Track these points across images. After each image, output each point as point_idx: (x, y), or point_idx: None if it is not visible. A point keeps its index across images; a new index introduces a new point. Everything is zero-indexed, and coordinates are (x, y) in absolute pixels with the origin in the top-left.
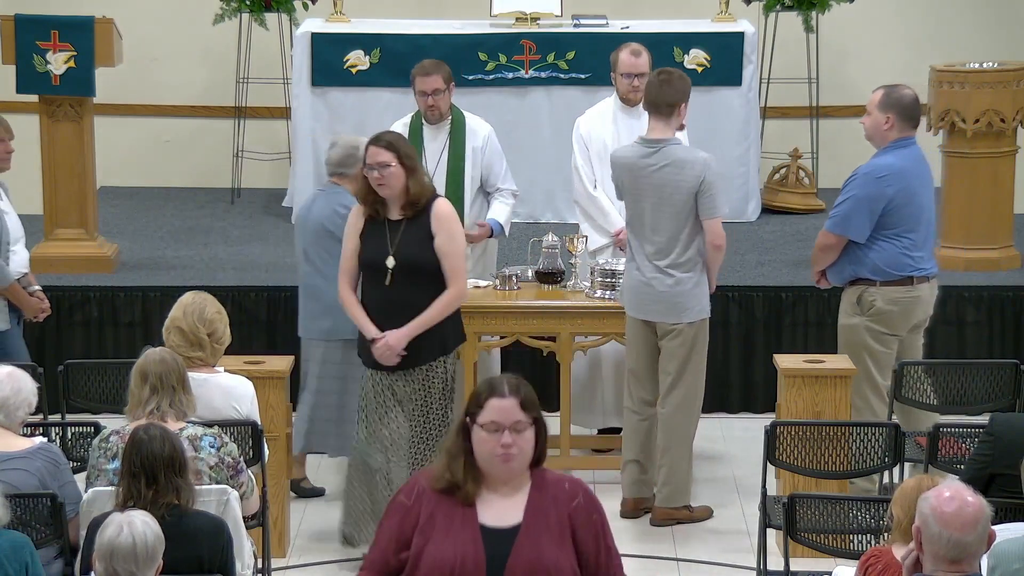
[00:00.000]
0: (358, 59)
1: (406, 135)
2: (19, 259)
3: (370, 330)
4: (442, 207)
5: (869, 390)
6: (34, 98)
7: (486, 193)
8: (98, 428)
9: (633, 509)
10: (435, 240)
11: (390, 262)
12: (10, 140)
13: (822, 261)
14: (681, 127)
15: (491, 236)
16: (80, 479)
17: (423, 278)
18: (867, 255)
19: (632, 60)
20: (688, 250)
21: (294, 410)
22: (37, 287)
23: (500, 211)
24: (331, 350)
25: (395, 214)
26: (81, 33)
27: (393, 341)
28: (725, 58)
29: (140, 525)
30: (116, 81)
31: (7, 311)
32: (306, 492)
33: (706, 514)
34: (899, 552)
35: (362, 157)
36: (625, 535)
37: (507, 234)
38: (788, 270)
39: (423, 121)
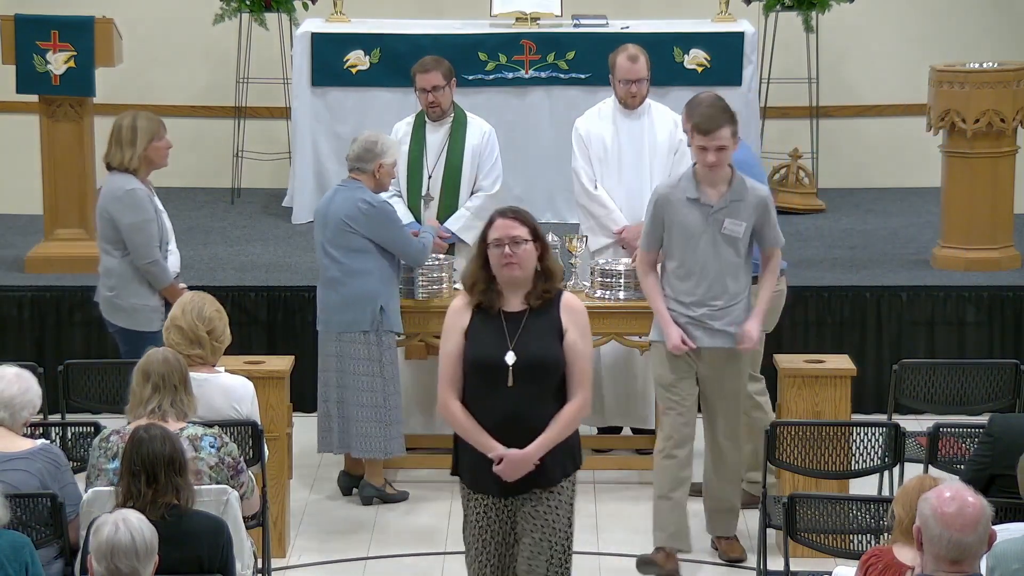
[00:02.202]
0: (358, 59)
1: (410, 135)
2: (173, 259)
3: (494, 447)
4: (574, 299)
5: (750, 385)
6: (34, 98)
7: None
8: (98, 428)
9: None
10: (566, 337)
11: (511, 358)
12: (167, 136)
13: None
14: None
15: (450, 245)
16: (80, 479)
17: (547, 382)
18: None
19: (629, 66)
20: None
21: (295, 410)
22: (183, 286)
23: (456, 217)
24: (350, 344)
25: (515, 304)
26: (81, 33)
27: (521, 459)
28: (725, 58)
29: (135, 521)
30: (116, 81)
31: (163, 311)
32: (390, 497)
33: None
34: (900, 551)
35: (380, 152)
36: (626, 534)
37: (468, 241)
38: (788, 270)
39: (426, 119)
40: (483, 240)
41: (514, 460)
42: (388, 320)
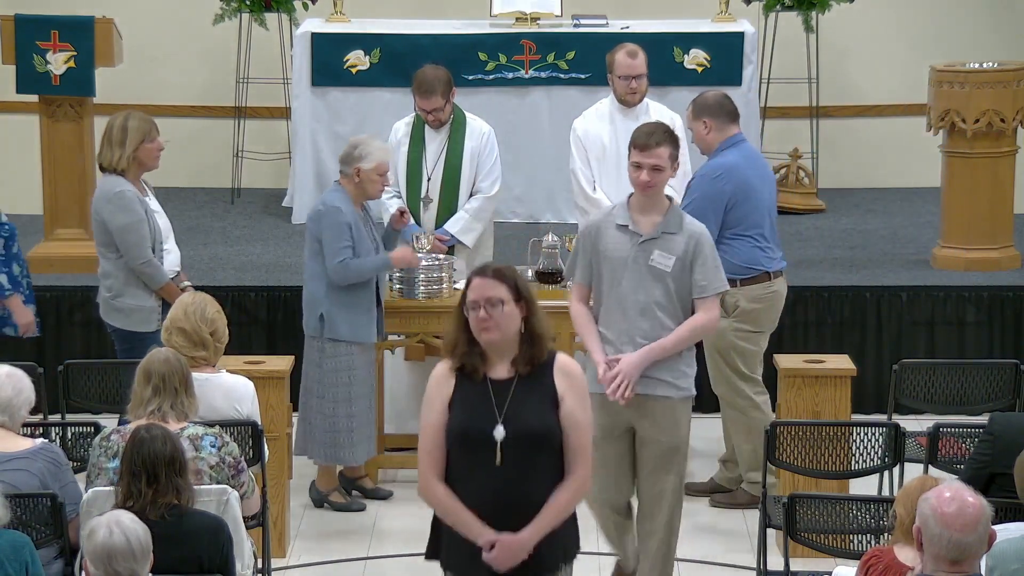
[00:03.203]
0: (358, 59)
1: (409, 135)
2: (171, 258)
3: (483, 532)
4: (569, 362)
5: (748, 387)
6: (34, 98)
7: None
8: (98, 428)
9: None
10: (562, 405)
11: (499, 432)
12: (159, 137)
13: None
14: None
15: (450, 247)
16: (80, 479)
17: (542, 457)
18: (721, 256)
19: (629, 62)
20: None
21: (295, 410)
22: (188, 283)
23: (455, 219)
24: (307, 347)
25: (502, 371)
26: (81, 33)
27: (515, 545)
28: (725, 58)
29: (128, 522)
30: (116, 81)
31: (160, 311)
32: (338, 505)
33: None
34: (902, 552)
35: (358, 156)
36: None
37: (468, 243)
38: (788, 270)
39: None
40: (462, 299)
41: (508, 546)
42: (330, 328)
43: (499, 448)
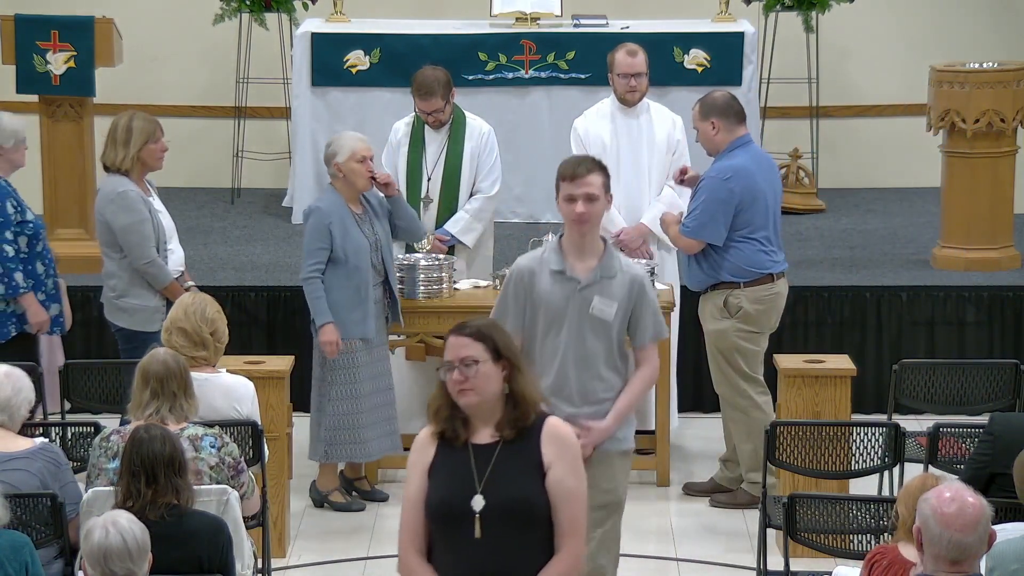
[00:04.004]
0: (358, 59)
1: (408, 134)
2: (175, 257)
3: None
4: (560, 427)
5: (750, 387)
6: (34, 98)
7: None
8: (98, 428)
9: None
10: (549, 474)
11: (478, 503)
12: (163, 138)
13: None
14: None
15: (450, 247)
16: (80, 479)
17: (526, 532)
18: (725, 258)
19: (629, 60)
20: None
21: (295, 410)
22: (192, 283)
23: (455, 220)
24: (315, 345)
25: (485, 435)
26: (81, 33)
27: None
28: (725, 58)
29: (125, 522)
30: (116, 81)
31: (163, 311)
32: (367, 494)
33: None
34: (906, 549)
35: (332, 154)
36: (626, 535)
37: (468, 243)
38: (788, 270)
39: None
40: (444, 363)
41: None
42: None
43: (478, 520)
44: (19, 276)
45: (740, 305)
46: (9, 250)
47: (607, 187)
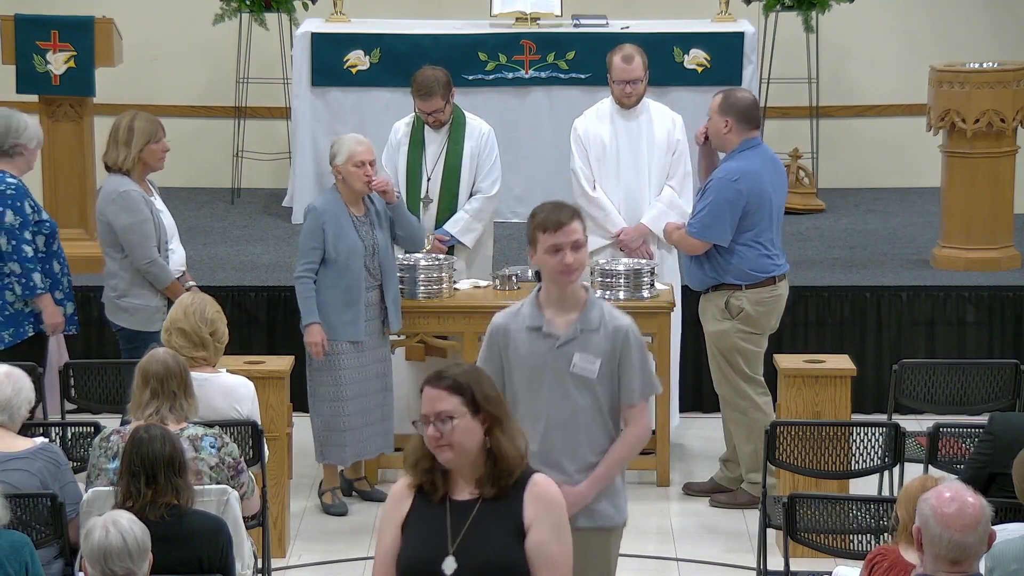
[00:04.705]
0: (358, 59)
1: (408, 135)
2: (176, 257)
3: None
4: (546, 486)
5: (750, 388)
6: (34, 98)
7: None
8: (98, 428)
9: None
10: (529, 536)
11: (449, 566)
12: (165, 139)
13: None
14: None
15: (450, 247)
16: (80, 479)
17: None
18: (730, 261)
19: (624, 66)
20: None
21: (295, 410)
22: (193, 283)
23: (455, 220)
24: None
25: (466, 491)
26: (81, 33)
27: None
28: (725, 58)
29: (125, 522)
30: (116, 81)
31: (165, 311)
32: (366, 495)
33: None
34: (905, 553)
35: (331, 156)
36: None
37: (468, 243)
38: (788, 270)
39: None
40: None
41: None
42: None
43: None
44: (37, 277)
45: (741, 307)
46: (28, 250)
47: (586, 229)
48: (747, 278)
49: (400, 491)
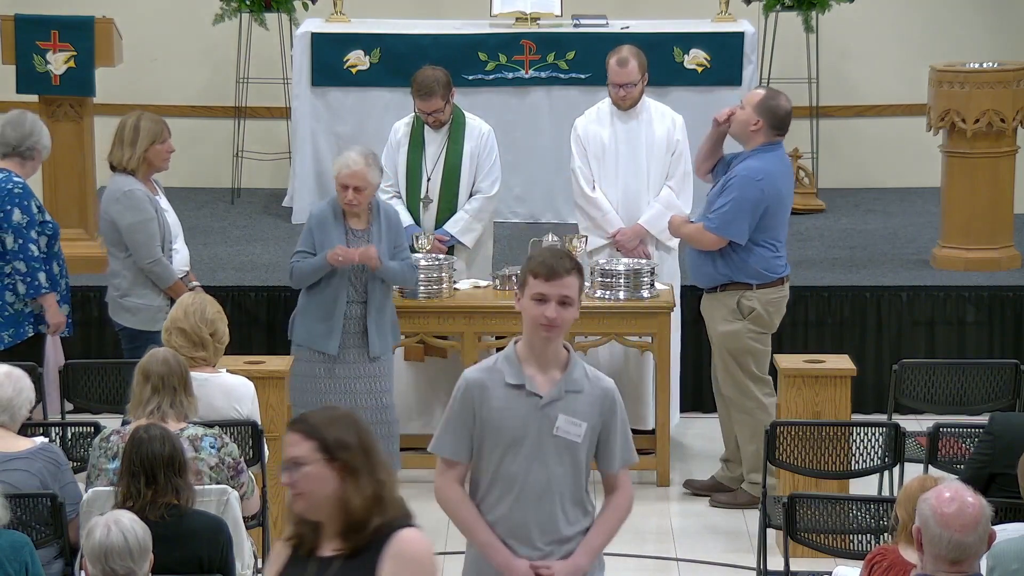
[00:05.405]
0: (358, 59)
1: (408, 135)
2: (180, 257)
3: None
4: (411, 543)
5: (757, 388)
6: (34, 98)
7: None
8: (98, 428)
9: None
10: None
11: None
12: (170, 139)
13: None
14: None
15: (450, 247)
16: (80, 479)
17: None
18: (747, 260)
19: (618, 70)
20: None
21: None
22: (197, 283)
23: (455, 220)
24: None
25: (328, 547)
26: (81, 33)
27: None
28: (725, 58)
29: (127, 521)
30: (116, 81)
31: (167, 311)
32: None
33: None
34: (905, 553)
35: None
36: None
37: (468, 243)
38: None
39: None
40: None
41: None
42: (292, 329)
43: None
44: (42, 276)
45: (752, 307)
46: (34, 249)
47: (581, 288)
48: (760, 278)
49: (279, 544)
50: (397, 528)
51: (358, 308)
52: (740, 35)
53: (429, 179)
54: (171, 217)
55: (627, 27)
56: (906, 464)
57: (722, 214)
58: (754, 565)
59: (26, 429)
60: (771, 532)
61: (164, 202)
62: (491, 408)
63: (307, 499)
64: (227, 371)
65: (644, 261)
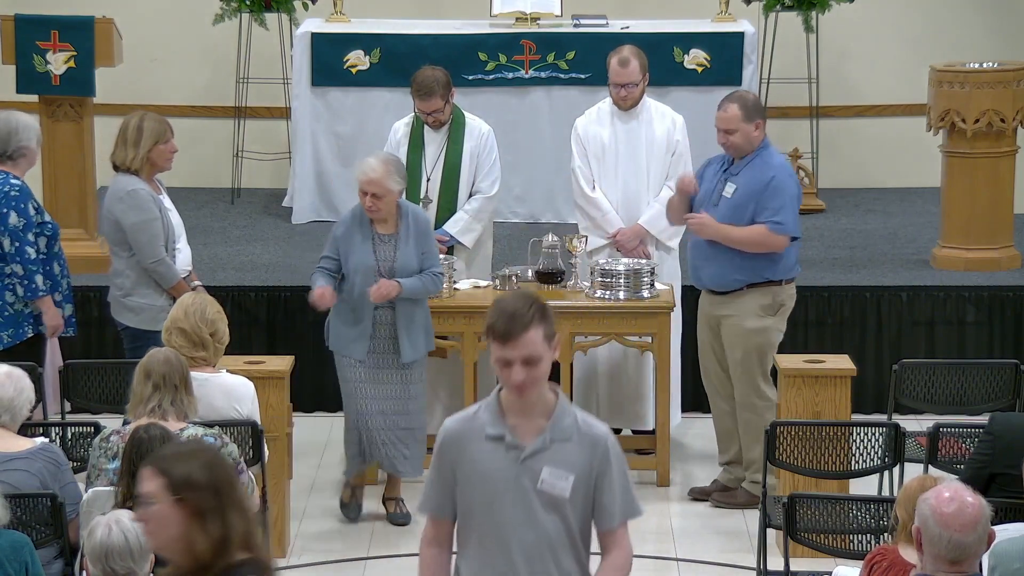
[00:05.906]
0: (358, 59)
1: (408, 135)
2: (183, 257)
3: None
4: None
5: (768, 387)
6: (34, 98)
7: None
8: (98, 428)
9: None
10: None
11: None
12: (173, 140)
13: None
14: None
15: (450, 247)
16: (80, 479)
17: None
18: (782, 256)
19: (619, 70)
20: None
21: (295, 410)
22: (199, 283)
23: (455, 220)
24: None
25: None
26: (81, 33)
27: None
28: (725, 58)
29: (128, 521)
30: (116, 81)
31: (169, 310)
32: (389, 516)
33: None
34: (905, 552)
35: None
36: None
37: (468, 243)
38: None
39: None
40: None
41: None
42: (327, 333)
43: None
44: (39, 279)
45: (783, 302)
46: (31, 252)
47: (551, 336)
48: (790, 272)
49: None
50: (238, 572)
51: (388, 314)
52: (740, 35)
53: (429, 179)
54: (174, 217)
55: (627, 27)
56: (906, 464)
57: (788, 214)
58: (754, 565)
59: (26, 429)
60: (771, 532)
61: (167, 202)
62: (470, 463)
63: (154, 538)
64: (227, 371)
65: (644, 261)
